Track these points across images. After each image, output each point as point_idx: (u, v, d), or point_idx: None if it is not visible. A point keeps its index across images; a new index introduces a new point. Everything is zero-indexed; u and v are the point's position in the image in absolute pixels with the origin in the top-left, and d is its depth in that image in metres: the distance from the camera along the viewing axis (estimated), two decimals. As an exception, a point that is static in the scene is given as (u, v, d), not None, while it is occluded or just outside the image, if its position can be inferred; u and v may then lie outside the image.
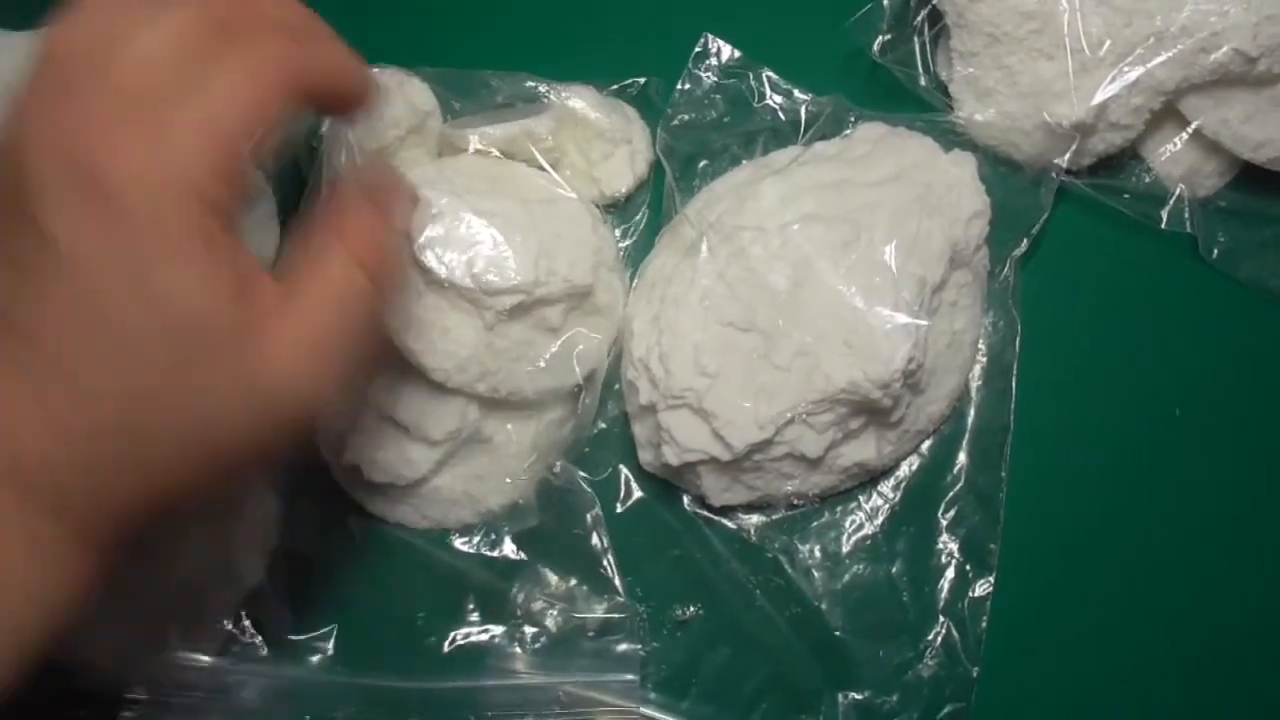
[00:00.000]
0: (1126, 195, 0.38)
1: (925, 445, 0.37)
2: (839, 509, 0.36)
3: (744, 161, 0.38)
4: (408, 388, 0.35)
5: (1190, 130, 0.37)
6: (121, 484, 0.23)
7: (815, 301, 0.34)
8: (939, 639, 0.35)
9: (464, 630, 0.35)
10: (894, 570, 0.35)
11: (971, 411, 0.37)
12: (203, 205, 0.23)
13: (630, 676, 0.34)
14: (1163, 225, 0.38)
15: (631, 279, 0.37)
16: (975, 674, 0.34)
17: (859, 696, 0.34)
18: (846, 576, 0.35)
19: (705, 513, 0.36)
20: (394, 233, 0.28)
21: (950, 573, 0.35)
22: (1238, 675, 0.35)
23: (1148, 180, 0.38)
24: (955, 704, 0.34)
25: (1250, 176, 0.38)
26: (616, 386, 0.37)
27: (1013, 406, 0.36)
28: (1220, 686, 0.35)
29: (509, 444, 0.36)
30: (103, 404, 0.23)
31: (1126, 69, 0.36)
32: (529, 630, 0.35)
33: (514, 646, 0.35)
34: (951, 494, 0.36)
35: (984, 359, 0.37)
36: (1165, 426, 0.37)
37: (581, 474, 0.36)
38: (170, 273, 0.22)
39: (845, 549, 0.36)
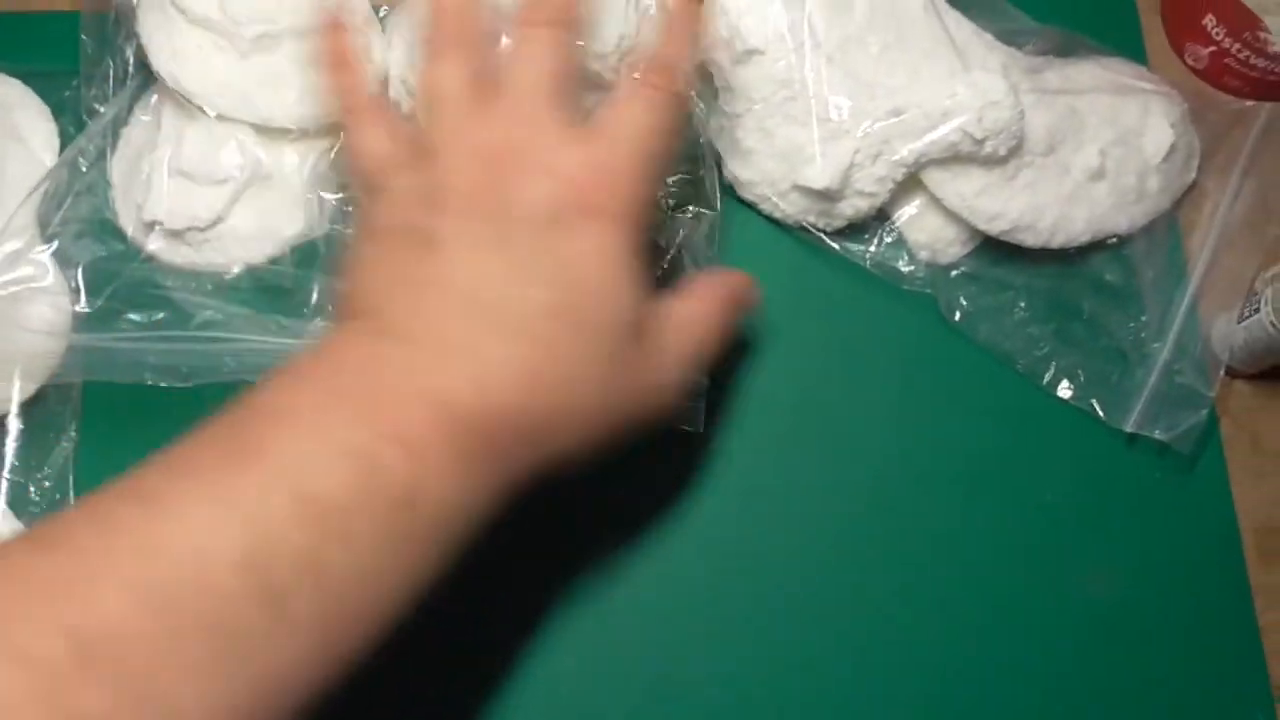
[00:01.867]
0: (870, 258, 0.39)
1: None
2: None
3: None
4: (188, 139, 0.38)
5: (931, 200, 0.39)
6: (539, 447, 0.28)
7: None
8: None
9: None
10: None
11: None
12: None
13: None
14: (904, 287, 0.39)
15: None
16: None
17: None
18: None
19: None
20: None
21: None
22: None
23: (892, 242, 0.40)
24: None
25: (990, 245, 0.39)
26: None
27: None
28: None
29: (289, 176, 0.39)
30: (560, 380, 0.28)
31: (869, 141, 0.38)
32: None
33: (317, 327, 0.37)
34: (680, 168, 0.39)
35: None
36: (888, 478, 0.38)
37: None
38: (630, 286, 0.30)
39: None
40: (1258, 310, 0.37)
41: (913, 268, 0.39)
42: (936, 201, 0.39)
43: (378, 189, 0.31)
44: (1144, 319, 0.39)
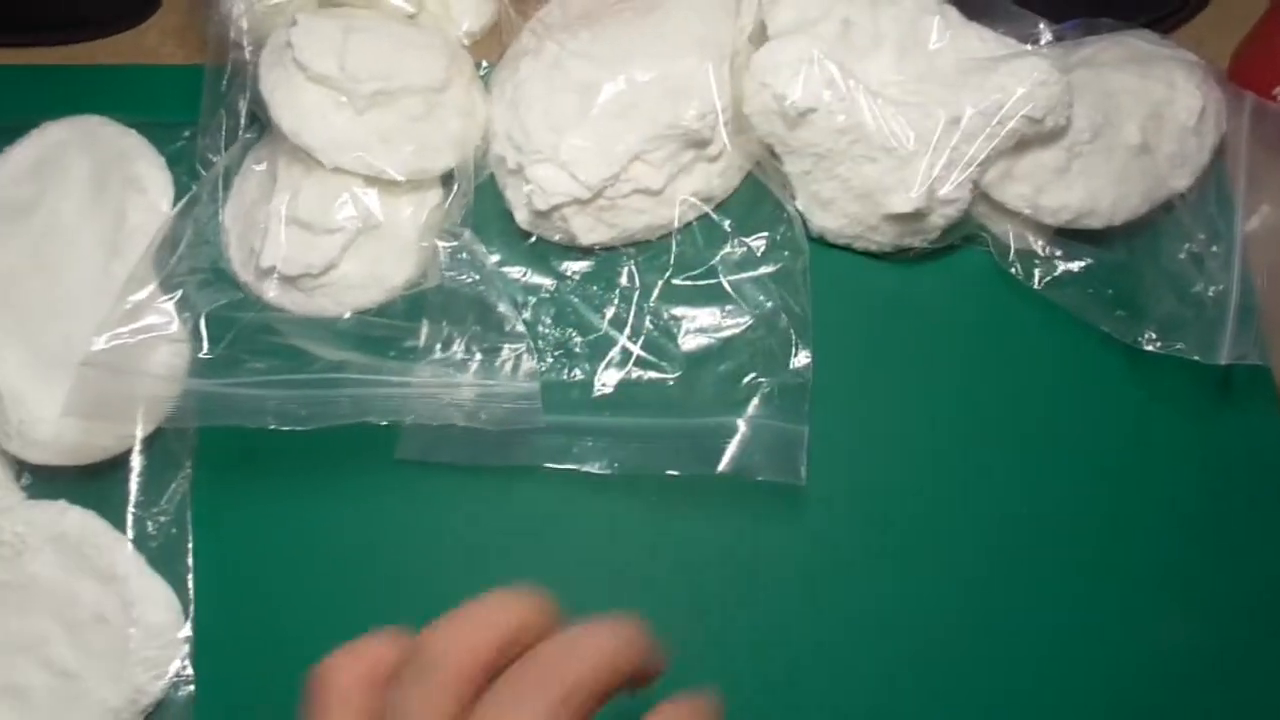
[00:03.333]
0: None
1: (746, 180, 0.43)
2: (682, 236, 0.43)
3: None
4: (304, 190, 0.40)
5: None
6: None
7: (633, 63, 0.41)
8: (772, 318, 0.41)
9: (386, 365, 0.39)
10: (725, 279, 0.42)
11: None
12: None
13: (532, 385, 0.38)
14: (997, 261, 0.42)
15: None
16: (807, 361, 0.40)
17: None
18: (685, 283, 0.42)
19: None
20: None
21: (766, 267, 0.42)
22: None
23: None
24: (788, 417, 0.39)
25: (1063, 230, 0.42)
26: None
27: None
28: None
29: (399, 226, 0.41)
30: None
31: (940, 154, 0.40)
32: (439, 356, 0.39)
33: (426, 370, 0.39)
34: (768, 214, 0.43)
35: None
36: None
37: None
38: None
39: (688, 269, 0.42)
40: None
41: (1003, 251, 0.42)
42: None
43: None
44: (1209, 265, 0.41)
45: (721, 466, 0.38)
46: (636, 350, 0.41)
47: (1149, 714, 0.37)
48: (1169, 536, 0.39)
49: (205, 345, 0.38)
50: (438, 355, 0.39)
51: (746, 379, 0.39)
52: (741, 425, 0.38)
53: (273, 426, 0.36)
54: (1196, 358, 0.39)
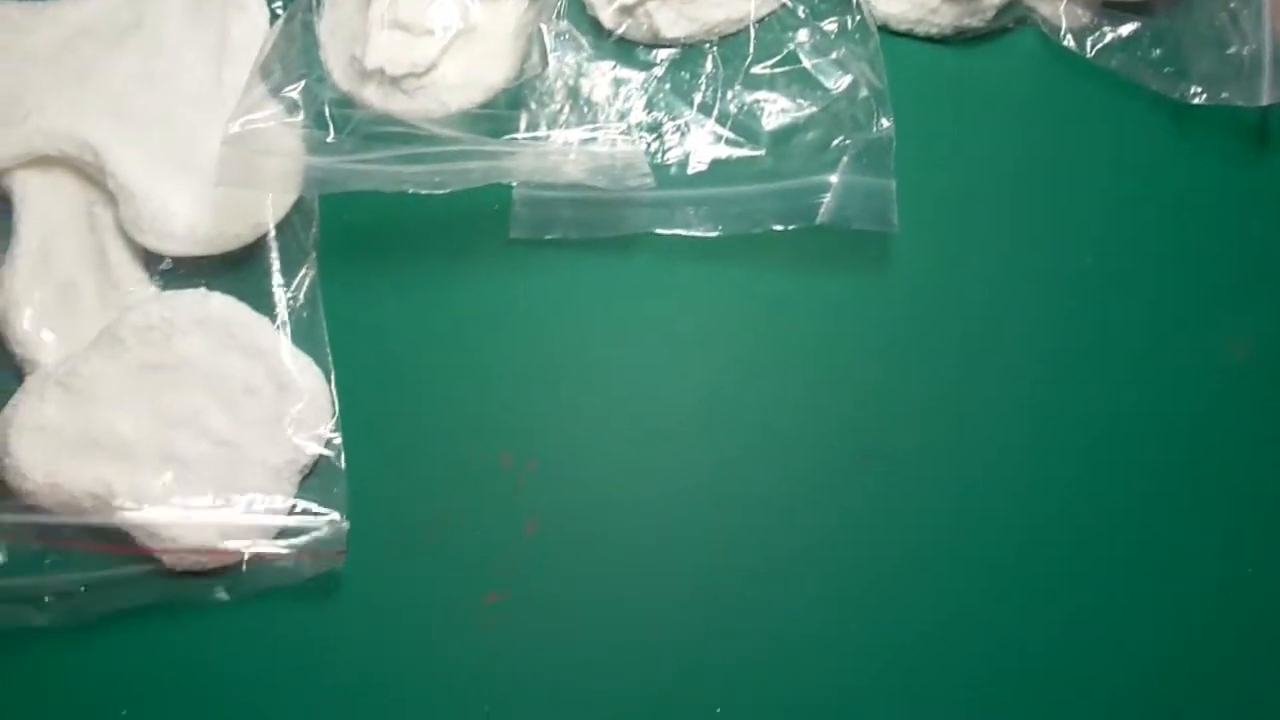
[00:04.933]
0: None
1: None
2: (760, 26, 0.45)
3: None
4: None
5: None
6: None
7: None
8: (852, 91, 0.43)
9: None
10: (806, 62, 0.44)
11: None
12: None
13: (638, 150, 0.41)
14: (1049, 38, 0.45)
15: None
16: (888, 124, 0.42)
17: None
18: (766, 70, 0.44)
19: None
20: None
21: (840, 49, 0.44)
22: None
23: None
24: (877, 172, 0.41)
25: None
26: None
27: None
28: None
29: (494, 28, 0.44)
30: None
31: None
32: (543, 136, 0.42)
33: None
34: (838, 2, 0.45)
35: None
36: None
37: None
38: None
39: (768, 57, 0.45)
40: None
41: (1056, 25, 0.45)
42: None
43: None
44: (1243, 25, 0.44)
45: (819, 218, 0.41)
46: (726, 133, 0.43)
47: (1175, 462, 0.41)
48: (1221, 274, 0.43)
49: (331, 132, 0.40)
50: (542, 136, 0.42)
51: (834, 143, 0.42)
52: (834, 180, 0.41)
53: (411, 191, 0.39)
54: (1240, 103, 0.43)
